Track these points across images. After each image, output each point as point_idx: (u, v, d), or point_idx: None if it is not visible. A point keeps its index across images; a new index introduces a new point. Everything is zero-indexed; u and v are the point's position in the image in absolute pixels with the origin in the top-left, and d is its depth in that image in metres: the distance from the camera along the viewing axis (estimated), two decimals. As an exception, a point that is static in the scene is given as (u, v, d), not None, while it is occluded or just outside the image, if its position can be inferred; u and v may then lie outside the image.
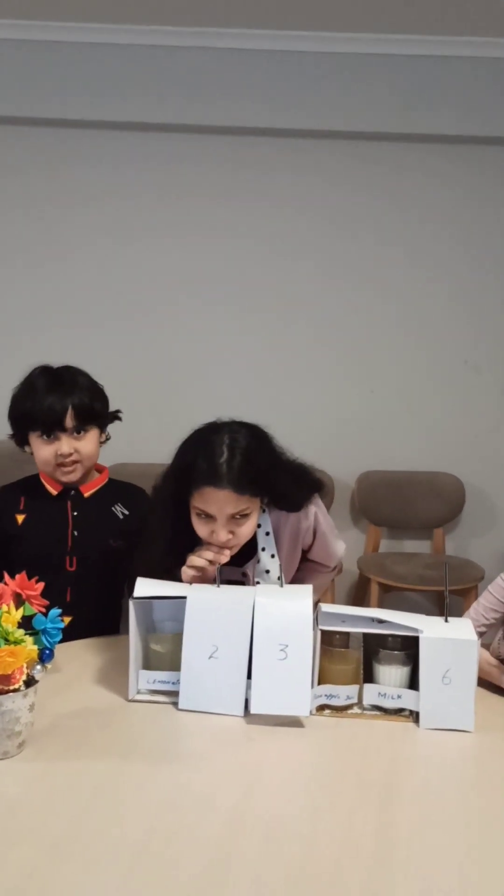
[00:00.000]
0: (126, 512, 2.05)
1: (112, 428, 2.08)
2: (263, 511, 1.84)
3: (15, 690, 1.38)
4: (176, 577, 1.75)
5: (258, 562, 1.85)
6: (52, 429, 1.90)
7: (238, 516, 1.71)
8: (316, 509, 1.92)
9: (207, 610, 1.61)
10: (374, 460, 3.78)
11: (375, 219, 3.76)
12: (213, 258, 3.77)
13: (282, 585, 1.70)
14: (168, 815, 1.24)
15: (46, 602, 1.51)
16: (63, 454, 1.92)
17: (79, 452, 1.94)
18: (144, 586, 1.65)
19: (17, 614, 1.44)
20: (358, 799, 1.30)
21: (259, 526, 1.84)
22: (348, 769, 1.40)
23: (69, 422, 1.91)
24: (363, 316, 3.78)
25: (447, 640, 1.57)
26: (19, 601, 1.48)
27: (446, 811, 1.28)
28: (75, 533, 1.96)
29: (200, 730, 1.52)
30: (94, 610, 2.01)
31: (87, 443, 1.95)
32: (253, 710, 1.55)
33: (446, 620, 1.63)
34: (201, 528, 1.73)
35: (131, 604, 1.63)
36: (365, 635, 1.63)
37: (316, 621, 1.62)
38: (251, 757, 1.43)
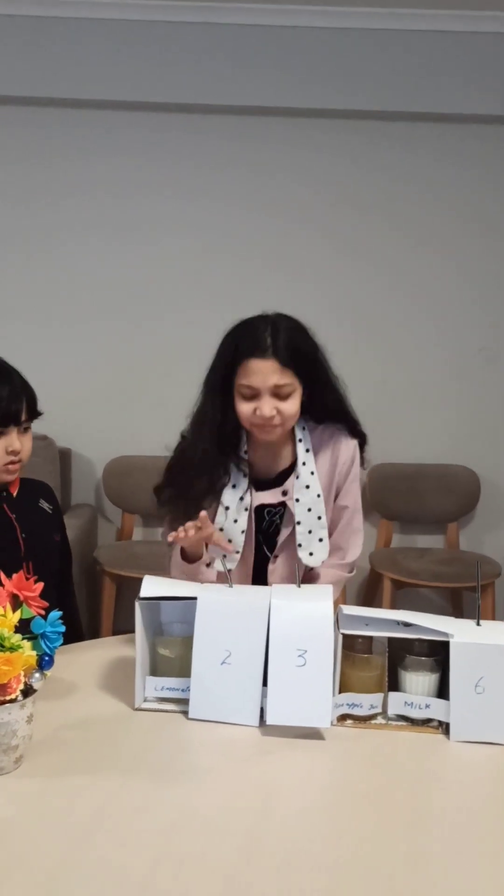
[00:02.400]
0: (50, 506, 1.92)
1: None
2: (304, 429, 1.86)
3: (11, 701, 1.26)
4: (220, 479, 1.80)
5: (297, 477, 1.83)
6: (7, 422, 1.73)
7: (281, 393, 1.72)
8: (356, 450, 1.90)
9: (219, 612, 1.50)
10: (386, 453, 3.66)
11: (385, 203, 3.65)
12: (215, 245, 3.65)
13: (321, 518, 1.75)
14: (175, 841, 1.12)
15: (46, 604, 1.39)
16: (15, 450, 1.75)
17: (24, 450, 1.78)
18: (151, 586, 1.53)
19: (14, 617, 1.32)
20: (384, 823, 1.18)
21: (300, 441, 1.85)
22: (373, 789, 1.28)
23: (24, 416, 1.75)
24: (374, 304, 3.66)
25: (480, 645, 1.45)
26: (16, 603, 1.36)
27: (482, 838, 1.16)
28: (23, 535, 1.82)
29: (211, 742, 1.41)
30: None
31: (28, 440, 1.79)
32: (269, 721, 1.43)
33: (478, 624, 1.52)
34: (245, 408, 1.74)
35: (137, 605, 1.51)
36: (390, 640, 1.51)
37: (337, 625, 1.50)
38: (267, 774, 1.31)
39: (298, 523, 1.82)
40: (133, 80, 3.48)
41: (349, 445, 1.89)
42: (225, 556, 1.79)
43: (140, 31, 3.46)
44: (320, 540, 1.83)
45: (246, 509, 1.82)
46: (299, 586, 1.57)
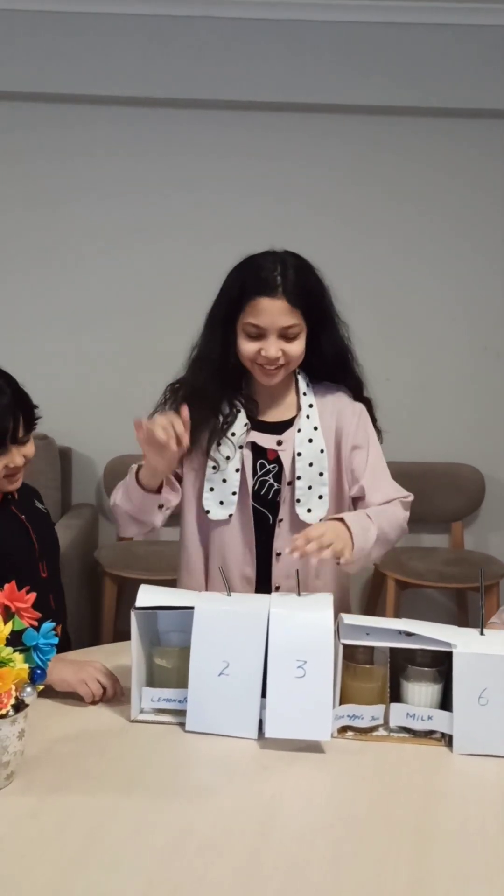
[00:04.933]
0: (44, 507, 1.89)
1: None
2: (308, 384, 1.81)
3: (3, 717, 1.23)
4: (221, 412, 1.75)
5: (299, 430, 1.78)
6: (2, 442, 1.64)
7: (288, 334, 1.68)
8: (363, 413, 1.84)
9: (217, 621, 1.46)
10: (390, 451, 3.57)
11: (391, 199, 3.59)
12: (216, 243, 3.60)
13: (323, 474, 1.72)
14: (171, 863, 1.09)
15: (38, 615, 1.35)
16: (17, 467, 1.70)
17: (27, 458, 1.73)
18: (148, 595, 1.50)
19: (6, 629, 1.29)
20: (386, 844, 1.15)
21: (304, 395, 1.80)
22: (375, 805, 1.25)
23: (20, 432, 1.69)
24: (380, 301, 3.61)
25: (484, 655, 1.41)
26: (8, 614, 1.33)
27: (488, 859, 1.12)
28: (35, 536, 1.78)
29: (209, 756, 1.37)
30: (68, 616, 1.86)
31: (30, 447, 1.73)
32: (268, 734, 1.39)
33: (482, 633, 1.48)
34: (249, 347, 1.70)
35: (133, 615, 1.48)
36: (392, 650, 1.47)
37: (337, 634, 1.47)
38: (266, 791, 1.28)
39: (299, 478, 1.75)
40: (134, 75, 3.43)
41: (355, 409, 1.82)
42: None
43: (141, 25, 3.41)
44: (320, 497, 1.76)
45: (241, 446, 1.75)
46: (300, 594, 1.54)
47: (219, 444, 1.74)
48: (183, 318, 3.52)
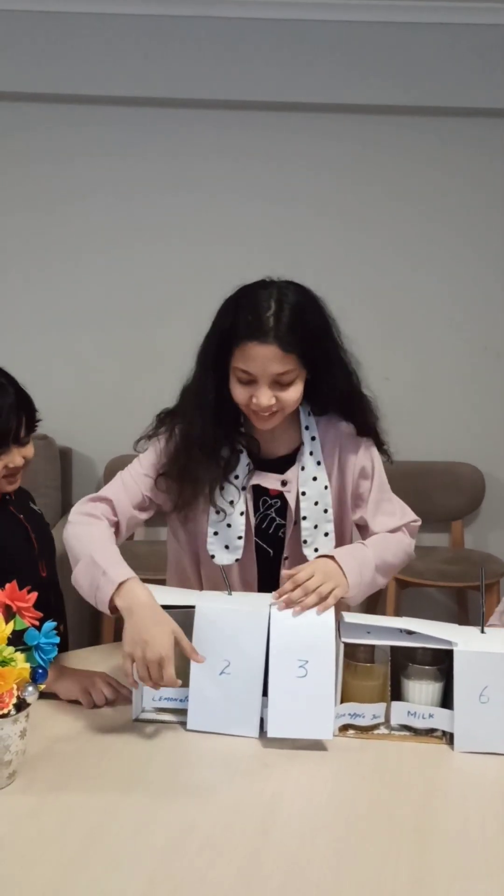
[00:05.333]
0: (39, 508, 1.88)
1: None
2: (309, 415, 1.70)
3: (4, 716, 1.23)
4: (222, 458, 1.64)
5: (303, 468, 1.68)
6: (5, 441, 1.64)
7: (282, 381, 1.55)
8: (370, 450, 1.74)
9: (218, 620, 1.46)
10: (390, 450, 3.61)
11: (391, 198, 3.58)
12: (217, 243, 3.60)
13: (327, 511, 1.63)
14: (172, 861, 1.09)
15: (40, 614, 1.35)
16: (17, 467, 1.70)
17: (26, 459, 1.72)
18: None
19: (7, 629, 1.29)
20: (387, 842, 1.15)
21: (307, 428, 1.69)
22: (376, 804, 1.25)
23: (22, 432, 1.67)
24: (379, 300, 3.61)
25: (485, 654, 1.41)
26: (9, 614, 1.33)
27: (488, 857, 1.13)
28: (33, 535, 1.78)
29: (210, 755, 1.38)
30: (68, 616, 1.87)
31: (29, 448, 1.72)
32: (270, 733, 1.40)
33: (483, 631, 1.48)
34: (241, 393, 1.57)
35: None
36: (392, 648, 1.47)
37: (338, 633, 1.47)
38: (267, 789, 1.28)
39: (304, 518, 1.67)
40: (133, 75, 3.42)
41: (358, 444, 1.73)
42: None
43: (140, 25, 3.40)
44: (326, 535, 1.69)
45: (243, 488, 1.66)
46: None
47: (221, 489, 1.65)
48: (183, 318, 3.55)
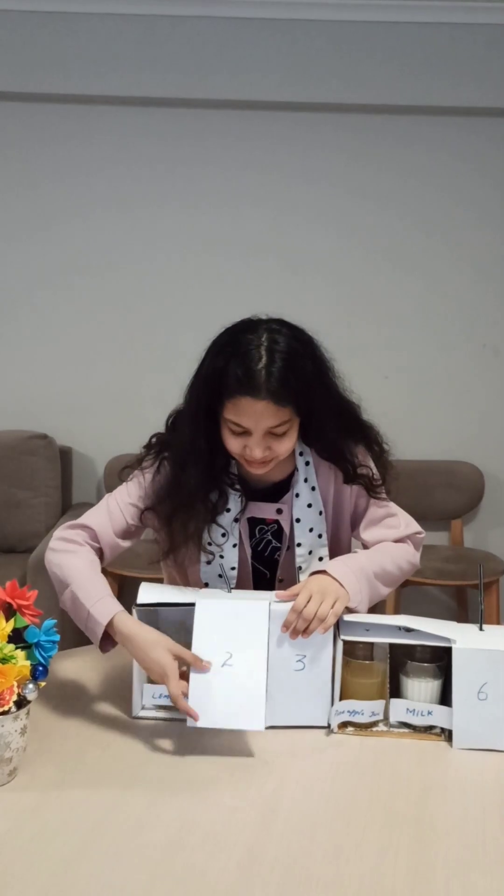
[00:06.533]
0: None
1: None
2: (303, 441, 1.65)
3: (4, 713, 1.24)
4: (210, 501, 1.59)
5: (297, 495, 1.65)
6: None
7: (276, 432, 1.51)
8: (370, 463, 1.68)
9: (218, 617, 1.46)
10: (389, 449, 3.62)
11: (390, 198, 3.59)
12: (217, 242, 3.61)
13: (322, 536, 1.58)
14: (173, 857, 1.10)
15: (40, 612, 1.36)
16: None
17: None
18: (149, 593, 1.50)
19: (7, 627, 1.30)
20: (386, 837, 1.16)
21: (300, 454, 1.66)
22: (375, 800, 1.26)
23: None
24: (378, 300, 3.62)
25: (483, 651, 1.42)
26: (9, 612, 1.34)
27: (486, 851, 1.13)
28: None
29: (210, 752, 1.38)
30: None
31: None
32: (266, 722, 1.40)
33: (481, 628, 1.49)
34: (233, 444, 1.53)
35: (134, 612, 1.49)
36: (391, 646, 1.48)
37: (337, 630, 1.47)
38: (267, 785, 1.29)
39: (299, 545, 1.65)
40: (133, 75, 3.43)
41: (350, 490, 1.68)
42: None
43: (140, 25, 3.41)
44: (320, 559, 1.66)
45: (236, 520, 1.63)
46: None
47: (210, 530, 1.62)
48: (183, 318, 3.58)
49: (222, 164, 3.58)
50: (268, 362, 1.47)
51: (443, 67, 3.41)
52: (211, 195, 3.59)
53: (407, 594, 3.44)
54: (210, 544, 1.63)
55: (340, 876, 1.07)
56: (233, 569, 1.64)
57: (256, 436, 1.50)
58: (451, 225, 3.60)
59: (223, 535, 1.64)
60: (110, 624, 1.46)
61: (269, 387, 1.46)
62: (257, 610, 1.46)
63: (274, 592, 1.53)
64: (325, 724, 1.43)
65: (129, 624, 1.45)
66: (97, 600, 1.49)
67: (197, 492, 1.58)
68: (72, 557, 1.57)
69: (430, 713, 1.45)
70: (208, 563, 1.64)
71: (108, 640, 1.49)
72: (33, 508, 3.38)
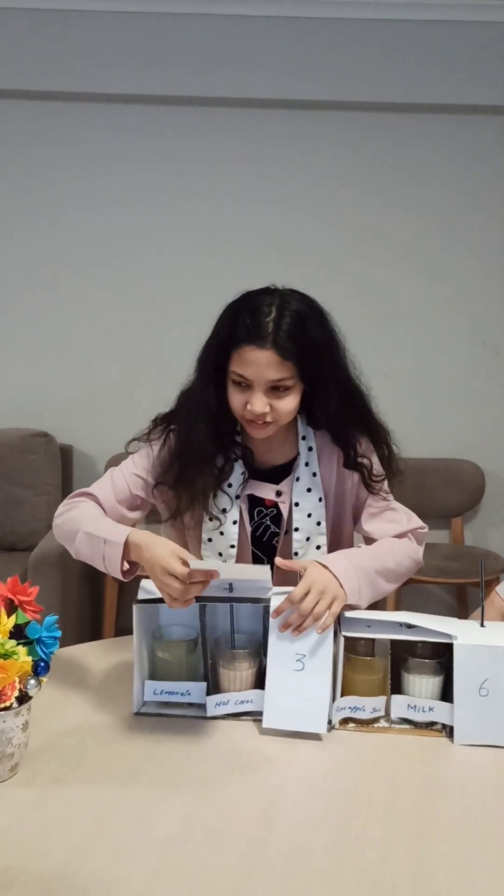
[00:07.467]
0: None
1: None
2: (307, 425, 1.68)
3: (6, 709, 1.24)
4: (216, 466, 1.62)
5: (298, 479, 1.66)
6: None
7: (278, 388, 1.53)
8: (374, 457, 1.69)
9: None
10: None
11: (392, 195, 3.59)
12: (218, 239, 3.61)
13: (321, 523, 1.58)
14: (175, 852, 1.10)
15: (41, 608, 1.36)
16: None
17: None
18: (150, 589, 1.50)
19: (9, 623, 1.30)
20: (387, 832, 1.16)
21: (303, 438, 1.67)
22: (376, 795, 1.26)
23: None
24: (379, 298, 3.62)
25: (484, 647, 1.42)
26: (11, 608, 1.34)
27: (487, 847, 1.13)
28: None
29: (212, 748, 1.38)
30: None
31: None
32: (265, 724, 1.41)
33: (482, 625, 1.49)
34: (236, 399, 1.56)
35: (135, 608, 1.49)
36: (392, 642, 1.48)
37: (338, 627, 1.48)
38: (268, 781, 1.29)
39: (296, 530, 1.66)
40: (134, 72, 3.43)
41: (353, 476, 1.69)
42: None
43: (141, 22, 3.41)
44: (318, 548, 1.68)
45: (237, 496, 1.65)
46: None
47: (215, 496, 1.65)
48: (183, 317, 3.57)
49: (224, 162, 3.58)
50: (277, 316, 1.52)
51: (444, 65, 3.41)
52: (213, 193, 3.59)
53: (408, 592, 3.44)
54: (212, 518, 1.65)
55: (342, 873, 1.07)
56: (232, 546, 1.65)
57: (258, 388, 1.53)
58: (453, 223, 3.60)
59: (224, 510, 1.65)
60: (126, 544, 1.47)
61: (275, 338, 1.50)
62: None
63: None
64: (324, 731, 1.41)
65: (142, 534, 1.47)
66: (111, 528, 1.52)
67: (205, 448, 1.61)
68: (76, 510, 1.61)
69: (431, 709, 1.45)
70: (211, 531, 1.66)
71: (128, 571, 1.51)
72: (34, 507, 3.38)
